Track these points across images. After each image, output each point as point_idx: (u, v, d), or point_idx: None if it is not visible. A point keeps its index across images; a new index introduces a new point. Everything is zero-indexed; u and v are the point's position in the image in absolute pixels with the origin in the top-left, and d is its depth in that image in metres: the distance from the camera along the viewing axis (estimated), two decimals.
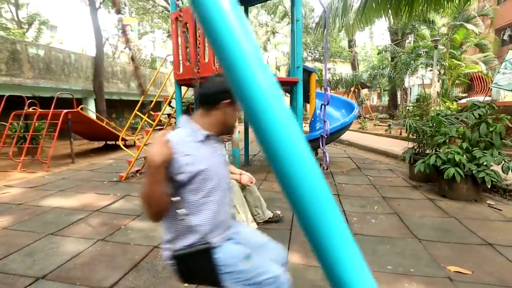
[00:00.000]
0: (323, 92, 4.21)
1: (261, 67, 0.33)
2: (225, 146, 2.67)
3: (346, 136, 8.11)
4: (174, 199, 1.10)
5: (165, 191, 1.06)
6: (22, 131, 6.43)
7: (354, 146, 8.73)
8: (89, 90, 10.61)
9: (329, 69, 25.54)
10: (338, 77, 19.04)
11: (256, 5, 11.72)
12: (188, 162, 1.08)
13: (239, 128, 4.86)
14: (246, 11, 5.62)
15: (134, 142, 8.95)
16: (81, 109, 6.76)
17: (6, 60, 7.65)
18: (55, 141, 6.11)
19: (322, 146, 4.70)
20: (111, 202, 3.69)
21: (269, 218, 2.98)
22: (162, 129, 5.53)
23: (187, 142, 1.12)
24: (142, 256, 2.35)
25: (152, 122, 5.31)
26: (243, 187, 2.83)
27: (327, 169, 4.85)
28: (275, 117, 0.33)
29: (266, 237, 1.40)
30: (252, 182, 2.77)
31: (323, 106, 4.66)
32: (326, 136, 4.79)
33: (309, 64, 21.94)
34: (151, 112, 5.52)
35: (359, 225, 2.93)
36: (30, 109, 6.56)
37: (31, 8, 21.55)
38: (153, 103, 5.43)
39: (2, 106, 6.31)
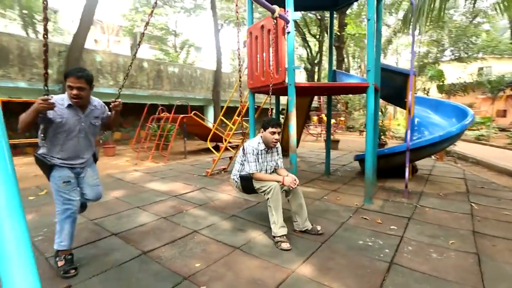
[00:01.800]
0: (426, 96, 3.63)
1: None
2: (277, 152, 2.80)
3: (479, 152, 6.42)
4: None
5: None
6: (154, 131, 8.43)
7: (483, 165, 6.86)
8: (209, 98, 12.69)
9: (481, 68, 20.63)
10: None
11: None
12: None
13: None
14: (332, 16, 5.48)
15: (237, 145, 10.05)
16: (194, 114, 8.23)
17: (153, 77, 10.28)
18: (173, 139, 7.72)
19: (407, 161, 4.04)
20: (188, 191, 4.43)
21: (307, 229, 2.88)
22: (244, 133, 6.10)
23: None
24: (181, 236, 2.79)
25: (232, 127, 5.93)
26: (289, 191, 2.85)
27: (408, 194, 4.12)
28: None
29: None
30: (295, 184, 2.75)
31: (410, 114, 4.04)
32: (410, 149, 4.11)
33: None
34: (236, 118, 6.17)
35: (409, 256, 2.43)
36: (162, 114, 8.55)
37: (184, 35, 27.53)
38: (243, 109, 6.07)
39: (145, 112, 8.52)
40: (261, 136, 2.88)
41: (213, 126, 9.48)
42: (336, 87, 3.95)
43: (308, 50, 21.05)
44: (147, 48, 26.43)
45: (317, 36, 20.23)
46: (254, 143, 2.83)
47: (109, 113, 2.41)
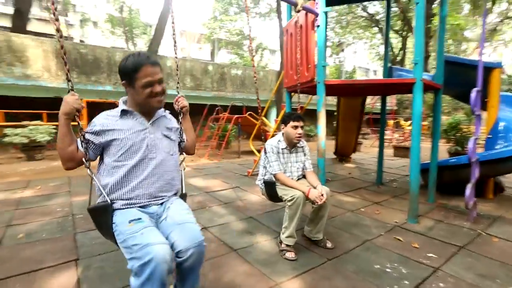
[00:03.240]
0: None
1: None
2: (303, 152, 2.57)
3: None
4: None
5: None
6: (212, 130, 8.94)
7: None
8: (272, 99, 12.77)
9: None
10: None
11: None
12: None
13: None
14: (389, 7, 4.81)
15: None
16: (249, 115, 8.40)
17: (217, 80, 10.94)
18: (226, 138, 8.04)
19: (472, 176, 3.25)
20: (222, 189, 4.52)
21: (316, 240, 2.59)
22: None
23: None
24: None
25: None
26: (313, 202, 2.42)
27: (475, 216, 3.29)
28: None
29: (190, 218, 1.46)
30: (321, 200, 2.29)
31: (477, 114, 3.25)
32: (488, 161, 3.30)
33: None
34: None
35: None
36: (221, 114, 9.02)
37: (258, 40, 28.52)
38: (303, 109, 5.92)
39: (205, 112, 9.13)
40: (282, 134, 2.63)
41: (257, 122, 9.50)
42: (374, 85, 3.44)
43: (390, 48, 19.13)
44: (225, 53, 28.37)
45: (401, 32, 18.21)
46: (274, 141, 2.64)
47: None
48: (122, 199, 1.42)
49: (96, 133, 1.41)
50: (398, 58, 19.48)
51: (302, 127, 2.55)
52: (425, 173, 4.13)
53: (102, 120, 1.45)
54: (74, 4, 26.11)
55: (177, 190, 1.69)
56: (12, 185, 4.71)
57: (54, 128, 7.33)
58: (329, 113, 3.98)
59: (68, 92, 1.31)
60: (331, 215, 3.34)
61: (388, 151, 9.82)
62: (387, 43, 4.80)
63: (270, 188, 2.51)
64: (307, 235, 2.66)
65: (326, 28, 3.32)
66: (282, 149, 2.61)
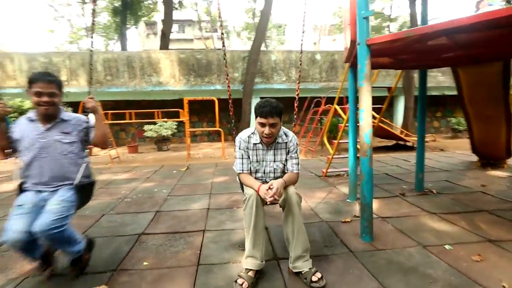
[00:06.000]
0: None
1: None
2: (286, 149, 1.98)
3: None
4: None
5: None
6: (310, 123, 8.15)
7: None
8: (398, 87, 10.36)
9: None
10: None
11: None
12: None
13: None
14: None
15: (413, 144, 7.76)
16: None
17: (326, 69, 9.88)
18: (321, 134, 7.11)
19: None
20: None
21: (299, 272, 1.73)
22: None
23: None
24: (183, 231, 2.56)
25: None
26: (283, 206, 1.86)
27: None
28: None
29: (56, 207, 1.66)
30: (271, 197, 1.70)
31: None
32: None
33: None
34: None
35: None
36: (326, 106, 8.08)
37: (401, 19, 24.13)
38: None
39: (305, 105, 8.44)
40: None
41: (378, 119, 7.73)
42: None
43: None
44: None
45: None
46: (244, 134, 2.00)
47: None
48: None
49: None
50: None
51: (273, 124, 1.82)
52: None
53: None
54: (222, 20, 30.95)
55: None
56: (122, 169, 5.92)
57: (175, 125, 8.83)
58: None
59: None
60: (389, 246, 2.17)
61: None
62: None
63: (241, 187, 2.07)
64: (290, 267, 1.82)
65: None
66: (254, 144, 1.96)
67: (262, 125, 1.82)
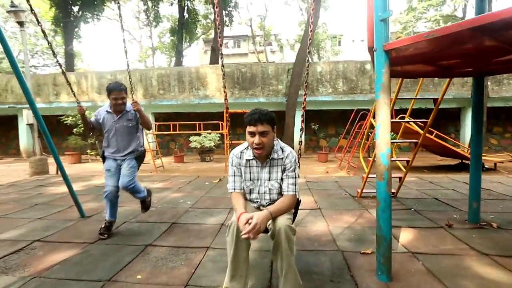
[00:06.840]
0: None
1: None
2: (282, 166, 1.88)
3: None
4: None
5: None
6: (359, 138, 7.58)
7: None
8: (465, 98, 9.02)
9: None
10: None
11: None
12: None
13: None
14: None
15: (495, 164, 6.72)
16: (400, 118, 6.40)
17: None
18: (363, 150, 6.54)
19: None
20: (303, 208, 3.67)
21: None
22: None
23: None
24: (185, 246, 2.51)
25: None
26: (272, 236, 1.66)
27: None
28: None
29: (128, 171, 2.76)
30: (246, 235, 1.45)
31: None
32: None
33: None
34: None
35: None
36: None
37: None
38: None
39: (351, 117, 7.90)
40: None
41: (434, 134, 6.82)
42: None
43: None
44: None
45: None
46: (237, 150, 1.87)
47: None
48: None
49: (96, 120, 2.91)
50: None
51: (263, 133, 1.65)
52: None
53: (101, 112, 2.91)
54: (275, 34, 31.66)
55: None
56: (161, 178, 6.23)
57: (218, 137, 9.06)
58: None
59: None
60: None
61: None
62: None
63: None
64: None
65: None
66: (247, 160, 1.81)
67: (252, 134, 1.67)
